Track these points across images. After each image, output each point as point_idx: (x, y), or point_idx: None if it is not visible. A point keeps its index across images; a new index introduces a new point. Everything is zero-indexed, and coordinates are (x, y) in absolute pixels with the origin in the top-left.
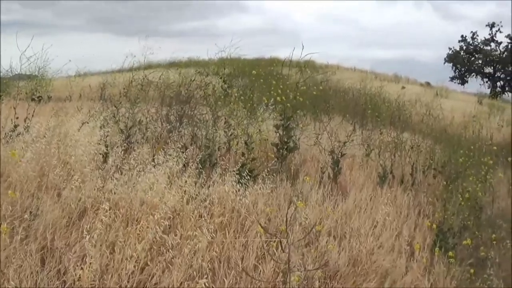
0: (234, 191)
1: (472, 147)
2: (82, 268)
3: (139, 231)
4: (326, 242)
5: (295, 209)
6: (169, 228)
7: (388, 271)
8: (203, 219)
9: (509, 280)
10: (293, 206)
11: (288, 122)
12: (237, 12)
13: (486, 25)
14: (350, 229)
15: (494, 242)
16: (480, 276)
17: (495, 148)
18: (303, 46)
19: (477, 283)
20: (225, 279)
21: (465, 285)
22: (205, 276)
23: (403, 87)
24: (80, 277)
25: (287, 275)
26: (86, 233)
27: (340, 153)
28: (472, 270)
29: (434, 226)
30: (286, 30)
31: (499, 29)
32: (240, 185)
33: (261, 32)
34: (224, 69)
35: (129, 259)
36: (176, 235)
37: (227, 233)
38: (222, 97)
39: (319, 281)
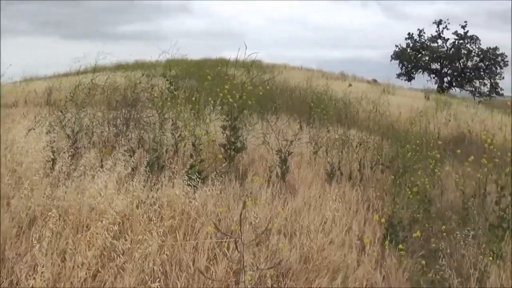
0: (183, 193)
1: (418, 141)
2: (34, 278)
3: (89, 237)
4: (277, 240)
5: (243, 207)
6: (120, 233)
7: (339, 266)
8: (153, 222)
9: (461, 270)
10: (245, 206)
11: (235, 123)
12: (183, 13)
13: (433, 23)
14: (300, 226)
15: (444, 234)
16: (432, 267)
17: (441, 142)
18: (246, 47)
19: (430, 274)
20: (177, 281)
21: (417, 276)
22: (158, 280)
23: (350, 85)
24: (32, 287)
25: (241, 275)
26: (36, 242)
27: (287, 152)
28: (423, 262)
29: (383, 220)
30: (233, 31)
31: (446, 26)
32: (189, 187)
33: (207, 33)
34: (170, 70)
35: (80, 266)
36: (126, 240)
37: (177, 236)
38: (169, 99)
39: (271, 280)
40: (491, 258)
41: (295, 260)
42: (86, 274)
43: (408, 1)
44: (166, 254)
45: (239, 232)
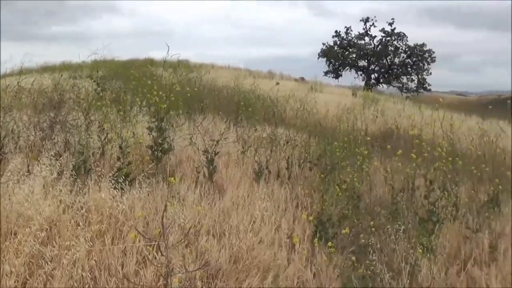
0: (110, 197)
1: (346, 138)
2: None
3: (17, 245)
4: (206, 241)
5: (164, 210)
6: (47, 239)
7: (269, 265)
8: (80, 227)
9: (392, 264)
10: (166, 209)
11: (161, 124)
12: (110, 14)
13: (361, 20)
14: (229, 226)
15: (374, 229)
16: (363, 263)
17: (369, 138)
18: (168, 47)
19: (361, 270)
20: (107, 286)
21: (348, 272)
22: (87, 286)
23: (278, 83)
24: None
25: (168, 278)
26: None
27: (214, 152)
28: (354, 258)
29: (312, 218)
30: (161, 31)
31: (373, 24)
32: (117, 190)
33: (135, 33)
34: (97, 71)
35: (9, 275)
36: (54, 246)
37: (105, 240)
38: (95, 100)
39: (201, 281)
40: (421, 251)
41: (225, 260)
42: (15, 282)
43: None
44: (95, 259)
45: (163, 235)
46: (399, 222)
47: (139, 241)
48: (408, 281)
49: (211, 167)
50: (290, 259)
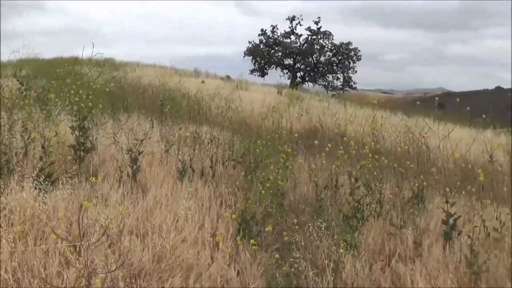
0: (33, 197)
1: (270, 136)
2: None
3: None
4: (129, 241)
5: (80, 210)
6: None
7: (193, 264)
8: (2, 228)
9: (316, 261)
10: (82, 209)
11: (84, 122)
12: (36, 12)
13: (287, 19)
14: (152, 226)
15: (297, 226)
16: (287, 260)
17: (296, 135)
18: (93, 45)
19: (285, 267)
20: None
21: (272, 270)
22: None
23: (203, 82)
24: None
25: (89, 279)
26: None
27: (138, 151)
28: (277, 255)
29: (235, 216)
30: (87, 29)
31: (299, 22)
32: (39, 190)
33: (61, 31)
34: (21, 70)
35: None
36: None
37: (28, 241)
38: (18, 100)
39: (124, 281)
40: (345, 248)
41: (148, 260)
42: None
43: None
44: (17, 261)
45: (80, 235)
46: (322, 219)
47: (62, 242)
48: (332, 278)
49: (134, 166)
50: (214, 257)
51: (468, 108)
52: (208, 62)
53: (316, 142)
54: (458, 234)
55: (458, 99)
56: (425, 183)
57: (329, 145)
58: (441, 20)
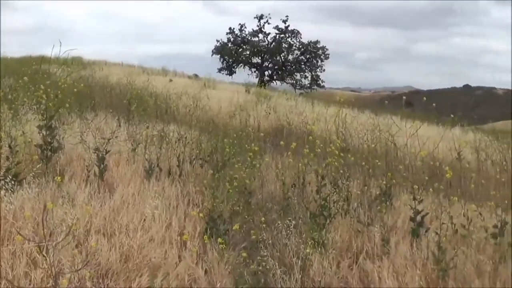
0: None
1: (237, 135)
2: None
3: None
4: (97, 241)
5: (44, 210)
6: None
7: (160, 263)
8: None
9: (284, 259)
10: (45, 209)
11: (51, 122)
12: (5, 11)
13: (255, 17)
14: (119, 225)
15: (265, 225)
16: (254, 259)
17: (262, 134)
18: (60, 44)
19: (252, 266)
20: None
21: (239, 268)
22: None
23: (171, 80)
24: None
25: (56, 279)
26: None
27: (105, 150)
28: (245, 254)
29: (202, 214)
30: (55, 28)
31: (267, 21)
32: (6, 190)
33: (30, 30)
34: None
35: None
36: None
37: None
38: None
39: (91, 281)
40: (312, 246)
41: (115, 259)
42: None
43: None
44: None
45: (45, 236)
46: (290, 218)
47: (28, 242)
48: (300, 275)
49: (101, 165)
50: (181, 256)
51: (434, 104)
52: (176, 61)
53: (282, 142)
54: (426, 231)
55: (425, 98)
56: (393, 180)
57: (295, 143)
58: (410, 19)
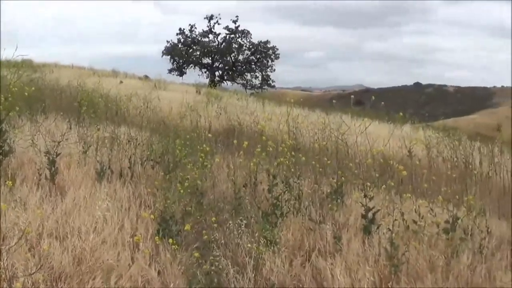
0: None
1: (188, 136)
2: None
3: None
4: (49, 244)
5: None
6: None
7: (113, 265)
8: None
9: (237, 259)
10: (11, 211)
11: (1, 125)
12: None
13: (205, 18)
14: (71, 228)
15: (216, 225)
16: (207, 259)
17: (213, 135)
18: (16, 47)
19: (205, 266)
20: None
21: (192, 269)
22: None
23: (121, 82)
24: None
25: (9, 283)
26: None
27: (56, 153)
28: (197, 254)
29: (154, 216)
30: (4, 30)
31: (217, 21)
32: None
33: None
34: None
35: None
36: None
37: None
38: None
39: (45, 284)
40: (264, 245)
41: (68, 262)
42: None
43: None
44: None
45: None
46: (241, 217)
47: None
48: (253, 274)
49: (52, 168)
50: (134, 258)
51: (382, 103)
52: (127, 62)
53: (235, 141)
54: (377, 228)
55: (373, 97)
56: (343, 178)
57: (246, 143)
58: (360, 18)
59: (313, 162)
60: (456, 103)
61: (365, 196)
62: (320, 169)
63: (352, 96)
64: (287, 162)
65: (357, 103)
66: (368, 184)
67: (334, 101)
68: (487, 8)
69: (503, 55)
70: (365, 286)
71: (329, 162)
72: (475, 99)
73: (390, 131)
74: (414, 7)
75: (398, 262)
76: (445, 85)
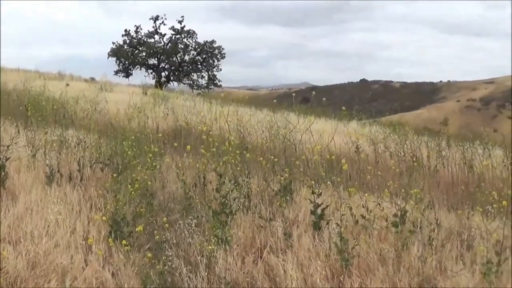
0: None
1: (135, 137)
2: None
3: None
4: (3, 249)
5: None
6: None
7: (67, 268)
8: None
9: (189, 258)
10: None
11: None
12: None
13: (150, 19)
14: (24, 232)
15: (168, 225)
16: (160, 259)
17: (161, 135)
18: None
19: (158, 266)
20: None
21: (146, 269)
22: None
23: (68, 84)
24: None
25: None
26: None
27: (5, 157)
28: (149, 254)
29: (105, 218)
30: None
31: (163, 22)
32: None
33: None
34: None
35: None
36: None
37: None
38: None
39: None
40: (216, 243)
41: (22, 267)
42: None
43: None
44: None
45: None
46: (192, 217)
47: None
48: (206, 273)
49: (2, 173)
50: (88, 260)
51: (324, 99)
52: (73, 64)
53: (175, 144)
54: (327, 223)
55: (314, 93)
56: (290, 175)
57: (189, 147)
58: (305, 16)
59: (261, 159)
60: (403, 99)
61: (313, 192)
62: (268, 167)
63: (294, 94)
64: (233, 160)
65: (304, 101)
66: (314, 181)
67: (274, 100)
68: (431, 5)
69: (448, 50)
70: (317, 281)
71: (275, 160)
72: (421, 94)
73: (336, 127)
74: (361, 4)
75: (348, 256)
76: (391, 81)
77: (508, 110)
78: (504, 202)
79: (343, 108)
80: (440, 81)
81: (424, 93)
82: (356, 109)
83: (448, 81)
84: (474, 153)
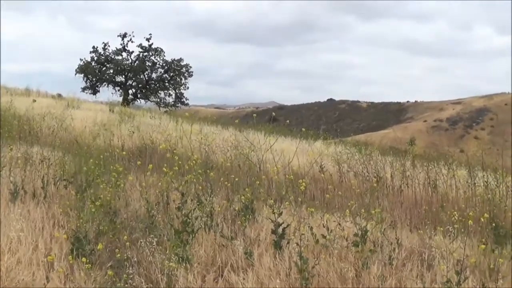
0: None
1: (101, 155)
2: None
3: None
4: None
5: None
6: None
7: (28, 284)
8: None
9: (150, 276)
10: None
11: None
12: None
13: (118, 36)
14: None
15: (129, 243)
16: (121, 277)
17: (126, 154)
18: None
19: (119, 284)
20: None
21: (107, 287)
22: None
23: (34, 100)
24: None
25: None
26: None
27: None
28: (110, 272)
29: (66, 236)
30: None
31: (131, 39)
32: None
33: None
34: None
35: None
36: None
37: None
38: None
39: None
40: (176, 262)
41: None
42: None
43: (96, 15)
44: None
45: None
46: (154, 235)
47: None
48: None
49: None
50: (49, 277)
51: (287, 121)
52: (41, 79)
53: (139, 162)
54: (288, 243)
55: (273, 113)
56: (252, 195)
57: (158, 163)
58: (272, 35)
59: (222, 179)
60: (370, 118)
61: (273, 212)
62: (231, 186)
63: (255, 115)
64: (194, 180)
65: (271, 120)
66: (274, 200)
67: (236, 121)
68: (399, 25)
69: (415, 71)
70: None
71: (236, 179)
72: (388, 114)
73: (300, 147)
74: (330, 24)
75: (309, 275)
76: (358, 101)
77: (475, 130)
78: (470, 221)
79: (303, 129)
80: (407, 101)
81: (391, 113)
82: (323, 128)
83: (415, 101)
84: (438, 173)
